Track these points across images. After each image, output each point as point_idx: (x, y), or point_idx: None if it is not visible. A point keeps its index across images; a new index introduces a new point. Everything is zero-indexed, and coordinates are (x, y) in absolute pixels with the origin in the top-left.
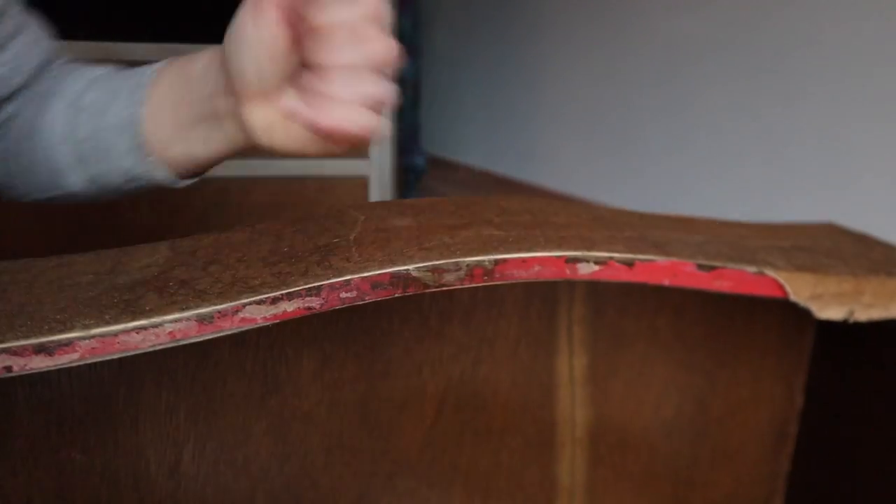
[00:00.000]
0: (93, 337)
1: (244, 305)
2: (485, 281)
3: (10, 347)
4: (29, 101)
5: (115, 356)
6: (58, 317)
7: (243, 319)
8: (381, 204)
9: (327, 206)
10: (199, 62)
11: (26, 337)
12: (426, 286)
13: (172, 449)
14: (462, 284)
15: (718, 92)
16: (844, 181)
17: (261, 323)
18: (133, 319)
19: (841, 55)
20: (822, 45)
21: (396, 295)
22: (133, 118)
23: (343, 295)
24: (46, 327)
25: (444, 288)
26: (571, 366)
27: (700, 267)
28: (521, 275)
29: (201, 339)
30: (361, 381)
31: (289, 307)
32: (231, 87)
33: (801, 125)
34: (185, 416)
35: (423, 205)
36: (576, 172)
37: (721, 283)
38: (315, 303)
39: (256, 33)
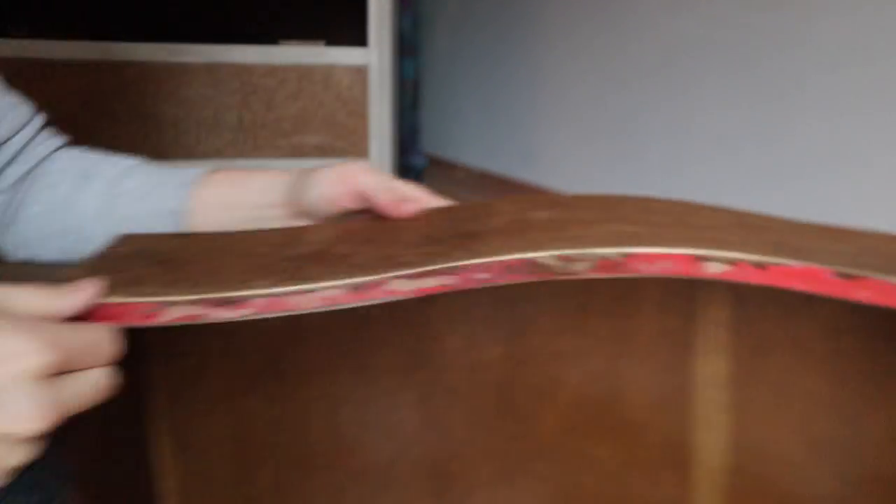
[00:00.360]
0: (265, 296)
1: (390, 279)
2: (611, 273)
3: (199, 300)
4: (42, 175)
5: (282, 314)
6: (238, 278)
7: (389, 291)
8: (527, 198)
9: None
10: (256, 181)
11: (213, 292)
12: (554, 273)
13: (332, 407)
14: (588, 274)
15: (716, 90)
16: (839, 174)
17: (403, 296)
18: (297, 284)
19: (835, 49)
20: (816, 40)
21: (528, 279)
22: (180, 208)
23: (478, 276)
24: (229, 286)
25: (572, 277)
26: (712, 369)
27: (838, 274)
28: (648, 269)
29: (351, 305)
30: (503, 364)
31: (429, 283)
32: (292, 209)
33: (797, 120)
34: (345, 379)
35: (567, 201)
36: (574, 171)
37: (862, 293)
38: (452, 280)
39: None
